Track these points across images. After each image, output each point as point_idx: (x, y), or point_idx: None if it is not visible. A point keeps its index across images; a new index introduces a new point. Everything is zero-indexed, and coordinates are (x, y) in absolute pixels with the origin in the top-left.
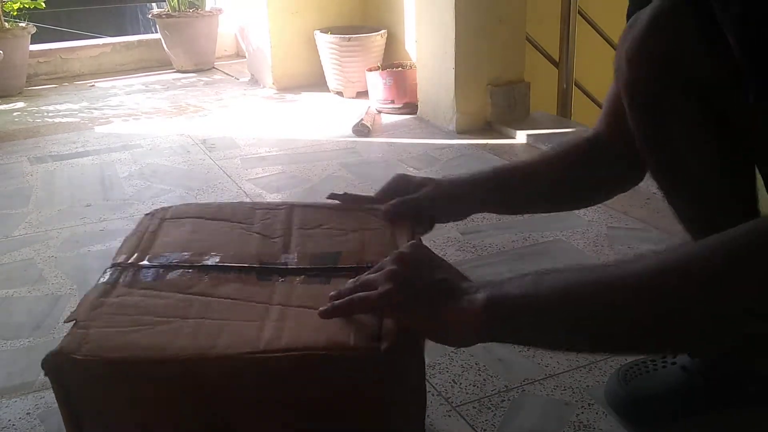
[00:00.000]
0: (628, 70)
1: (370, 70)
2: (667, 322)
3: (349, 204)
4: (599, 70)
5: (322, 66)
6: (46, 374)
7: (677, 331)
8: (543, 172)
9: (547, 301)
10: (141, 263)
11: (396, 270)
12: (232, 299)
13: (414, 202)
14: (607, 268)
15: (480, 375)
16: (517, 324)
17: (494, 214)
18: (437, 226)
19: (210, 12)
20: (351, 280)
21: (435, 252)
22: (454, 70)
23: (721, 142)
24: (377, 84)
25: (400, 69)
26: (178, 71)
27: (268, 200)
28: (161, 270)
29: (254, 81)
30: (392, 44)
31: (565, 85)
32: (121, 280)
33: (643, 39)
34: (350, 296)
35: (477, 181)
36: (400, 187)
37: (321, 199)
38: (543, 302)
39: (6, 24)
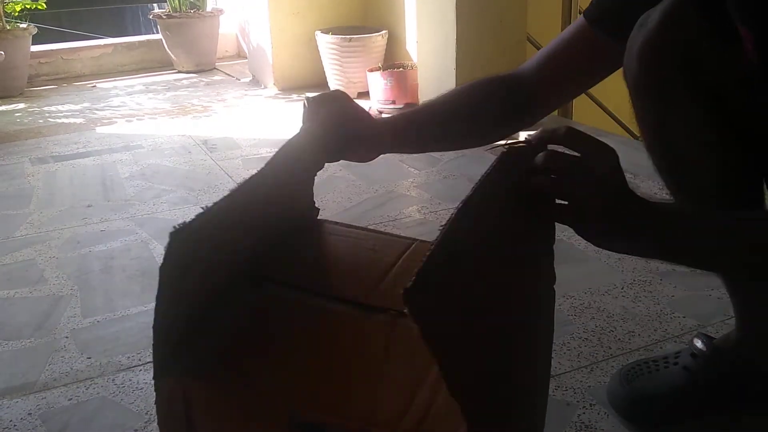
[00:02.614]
0: (638, 69)
1: (371, 70)
2: None
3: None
4: None
5: (323, 66)
6: None
7: None
8: (454, 109)
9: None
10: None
11: (588, 175)
12: None
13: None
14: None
15: None
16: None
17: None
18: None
19: (211, 12)
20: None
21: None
22: (455, 71)
23: (729, 144)
24: (378, 84)
25: (401, 69)
26: (179, 72)
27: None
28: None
29: (255, 81)
30: (393, 45)
31: None
32: None
33: (653, 37)
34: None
35: (389, 122)
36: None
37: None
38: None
39: (7, 25)
